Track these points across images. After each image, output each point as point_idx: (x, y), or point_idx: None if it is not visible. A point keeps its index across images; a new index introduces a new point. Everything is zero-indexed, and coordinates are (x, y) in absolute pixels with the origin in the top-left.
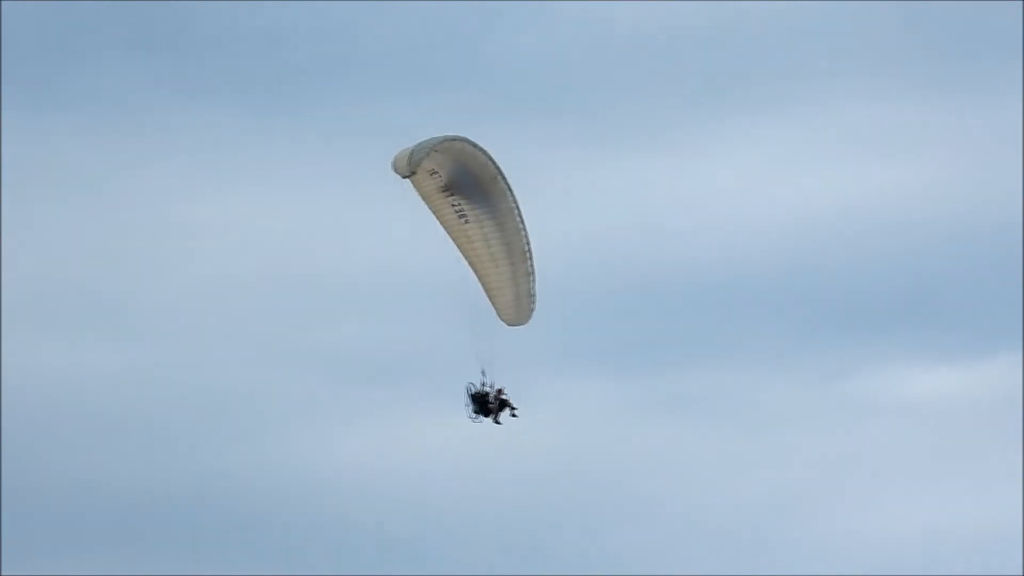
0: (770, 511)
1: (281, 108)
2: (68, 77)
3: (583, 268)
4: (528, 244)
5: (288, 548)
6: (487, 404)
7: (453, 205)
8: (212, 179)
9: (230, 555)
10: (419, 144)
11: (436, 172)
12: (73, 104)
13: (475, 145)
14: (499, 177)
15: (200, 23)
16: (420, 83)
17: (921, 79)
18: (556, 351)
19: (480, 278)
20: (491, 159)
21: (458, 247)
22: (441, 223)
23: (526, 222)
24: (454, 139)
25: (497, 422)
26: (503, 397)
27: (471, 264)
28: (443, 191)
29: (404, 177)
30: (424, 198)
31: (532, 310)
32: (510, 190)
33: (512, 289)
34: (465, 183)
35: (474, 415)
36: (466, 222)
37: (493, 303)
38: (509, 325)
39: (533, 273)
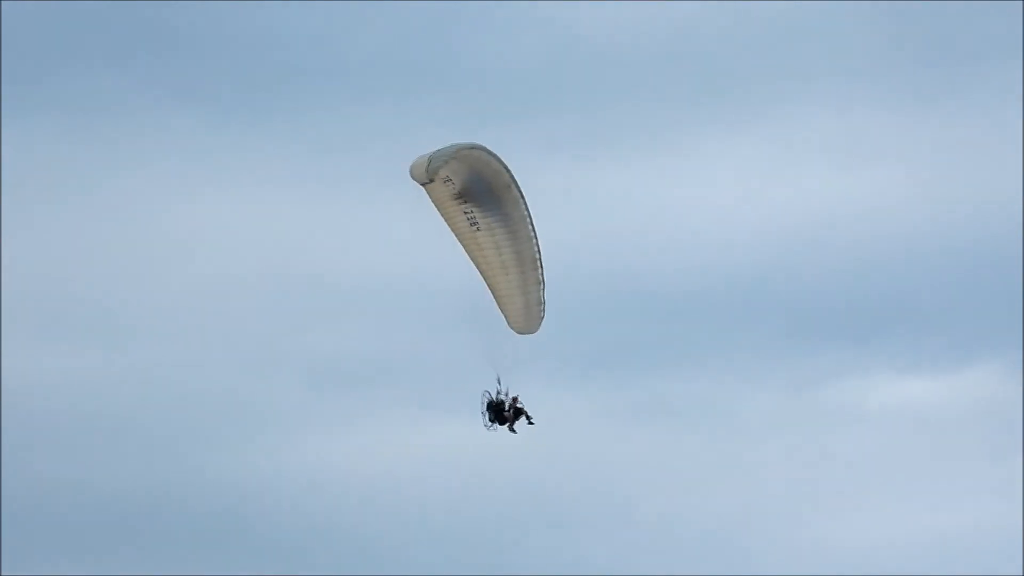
0: (747, 518)
1: (271, 112)
2: (59, 81)
3: (559, 274)
4: (539, 252)
5: (279, 550)
6: (503, 413)
7: (465, 212)
8: (202, 183)
9: (223, 555)
10: (437, 151)
11: (450, 179)
12: (64, 107)
13: (491, 153)
14: (512, 185)
15: (193, 26)
16: (411, 87)
17: (899, 88)
18: (532, 357)
19: (490, 286)
20: (506, 167)
21: (469, 254)
22: (452, 230)
23: (537, 230)
24: (472, 147)
25: (513, 431)
26: (518, 406)
27: (481, 272)
28: (456, 198)
29: (422, 184)
30: (436, 204)
31: (542, 318)
32: (523, 198)
33: (522, 297)
34: (478, 191)
35: (489, 423)
36: (477, 229)
37: (503, 311)
38: (519, 333)
39: (543, 281)
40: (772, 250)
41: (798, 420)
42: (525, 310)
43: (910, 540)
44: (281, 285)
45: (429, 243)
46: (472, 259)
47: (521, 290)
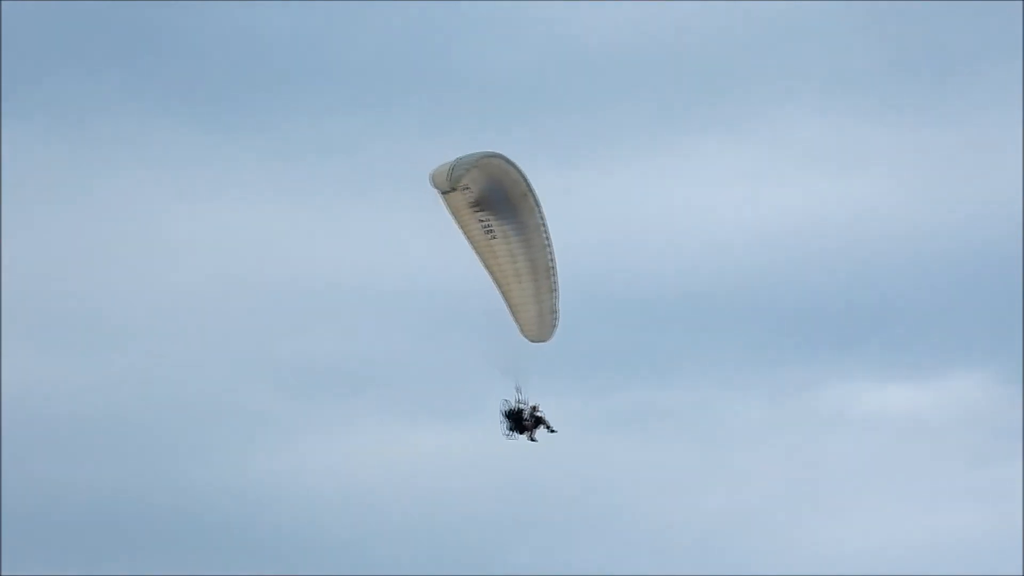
0: (732, 522)
1: (266, 118)
2: (52, 85)
3: None
4: (553, 261)
5: (273, 552)
6: (522, 422)
7: (480, 220)
8: (193, 189)
9: (218, 556)
10: (459, 160)
11: (468, 188)
12: (42, 115)
13: (509, 161)
14: (529, 194)
15: (186, 31)
16: (405, 91)
17: (883, 97)
18: (530, 364)
19: (503, 294)
20: (523, 176)
21: (483, 262)
22: (467, 237)
23: (552, 239)
24: (492, 155)
25: (532, 439)
26: (538, 414)
27: (494, 279)
28: (472, 206)
29: (443, 193)
30: (452, 212)
31: (555, 326)
32: (539, 206)
33: (535, 305)
34: (495, 199)
35: (508, 432)
36: (492, 237)
37: (516, 319)
38: (531, 342)
39: (557, 290)
40: (757, 257)
41: (783, 426)
42: (538, 318)
43: (894, 544)
44: (274, 290)
45: (421, 249)
46: (486, 267)
47: (535, 298)
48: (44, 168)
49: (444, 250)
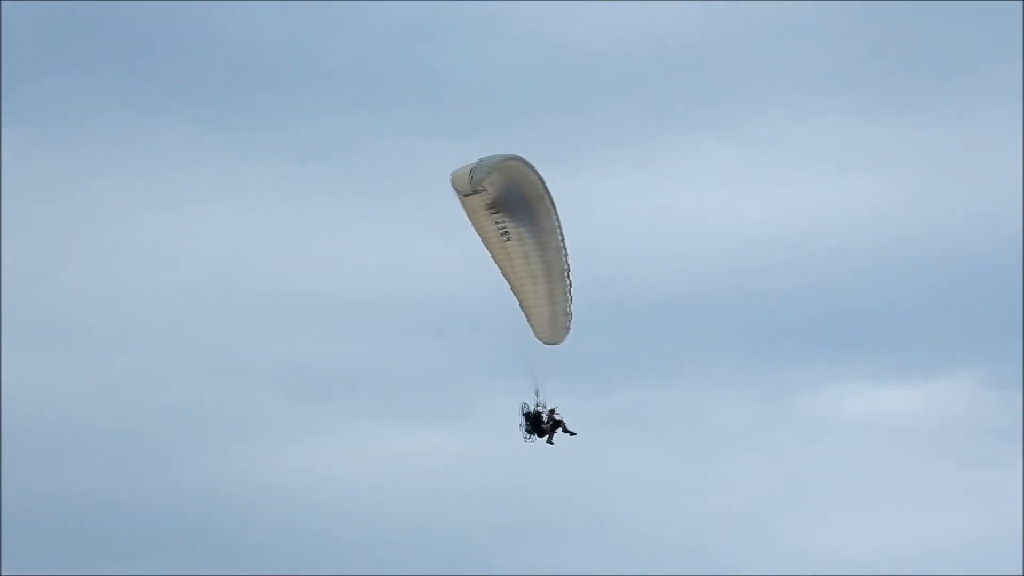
0: (721, 525)
1: (238, 125)
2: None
3: None
4: (567, 264)
5: (267, 553)
6: (541, 424)
7: (496, 223)
8: (179, 194)
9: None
10: (480, 163)
11: (486, 190)
12: (41, 116)
13: (527, 164)
14: (546, 196)
15: (170, 38)
16: (385, 98)
17: (882, 97)
18: (504, 367)
19: (517, 296)
20: (541, 179)
21: (497, 264)
22: (483, 240)
23: (567, 242)
24: (511, 158)
25: (551, 442)
26: (556, 417)
27: (509, 281)
28: (488, 208)
29: (464, 195)
30: (469, 215)
31: (568, 329)
32: (555, 209)
33: (548, 308)
34: (512, 201)
35: (527, 435)
36: (508, 239)
37: (529, 321)
38: (545, 343)
39: (570, 292)
40: (745, 263)
41: (774, 429)
42: (551, 320)
43: (888, 546)
44: (271, 293)
45: (418, 251)
46: (500, 269)
47: (548, 300)
48: (42, 170)
49: (442, 253)
